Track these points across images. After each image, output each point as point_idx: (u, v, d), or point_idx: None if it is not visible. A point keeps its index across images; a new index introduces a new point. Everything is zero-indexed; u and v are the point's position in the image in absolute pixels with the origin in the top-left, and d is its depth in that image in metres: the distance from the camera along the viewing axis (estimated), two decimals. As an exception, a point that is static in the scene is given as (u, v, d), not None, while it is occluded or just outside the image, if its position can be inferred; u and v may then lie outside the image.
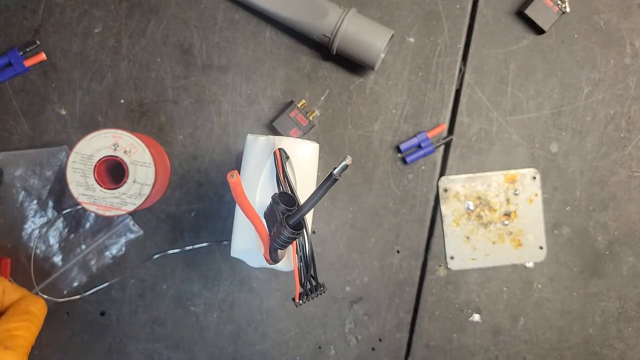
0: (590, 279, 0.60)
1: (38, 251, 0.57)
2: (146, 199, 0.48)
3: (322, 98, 0.57)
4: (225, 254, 0.58)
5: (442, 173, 0.58)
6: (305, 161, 0.41)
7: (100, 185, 0.48)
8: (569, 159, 0.59)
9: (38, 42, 0.55)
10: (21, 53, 0.54)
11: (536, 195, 0.59)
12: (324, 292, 0.38)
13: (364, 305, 0.59)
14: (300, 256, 0.37)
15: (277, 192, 0.36)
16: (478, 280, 0.59)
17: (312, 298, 0.38)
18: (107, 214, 0.48)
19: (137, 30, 0.56)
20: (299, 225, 0.34)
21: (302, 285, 0.37)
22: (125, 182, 0.48)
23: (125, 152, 0.48)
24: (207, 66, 0.56)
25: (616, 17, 0.58)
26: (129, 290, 0.57)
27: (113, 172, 0.51)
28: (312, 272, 0.37)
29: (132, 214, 0.57)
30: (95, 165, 0.47)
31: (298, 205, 0.37)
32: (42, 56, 0.55)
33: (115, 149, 0.47)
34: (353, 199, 0.58)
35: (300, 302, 0.37)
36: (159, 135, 0.57)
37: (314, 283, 0.38)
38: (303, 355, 0.59)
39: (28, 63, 0.54)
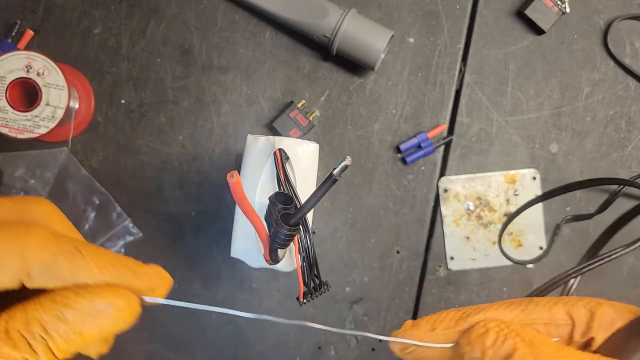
0: (590, 279, 0.60)
1: (38, 252, 0.56)
2: (59, 123, 0.48)
3: (322, 98, 0.57)
4: (225, 254, 0.57)
5: (442, 173, 0.58)
6: (305, 161, 0.41)
7: (13, 107, 0.48)
8: (569, 159, 0.59)
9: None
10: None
11: (536, 195, 0.58)
12: (328, 289, 0.38)
13: (363, 306, 0.59)
14: (303, 256, 0.37)
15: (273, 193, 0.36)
16: (478, 280, 0.59)
17: (317, 296, 0.38)
18: (20, 136, 0.48)
19: (137, 31, 0.56)
20: (296, 222, 0.34)
21: (306, 284, 0.37)
22: (38, 104, 0.48)
23: (38, 74, 0.47)
24: (207, 66, 0.56)
25: (616, 17, 0.58)
26: (128, 290, 0.57)
27: (26, 95, 0.51)
28: (315, 272, 0.37)
29: (131, 215, 0.57)
30: (7, 87, 0.47)
31: (296, 204, 0.37)
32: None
33: (28, 71, 0.47)
34: (353, 199, 0.58)
35: (305, 301, 0.37)
36: (159, 135, 0.57)
37: (317, 281, 0.38)
38: (303, 355, 0.59)
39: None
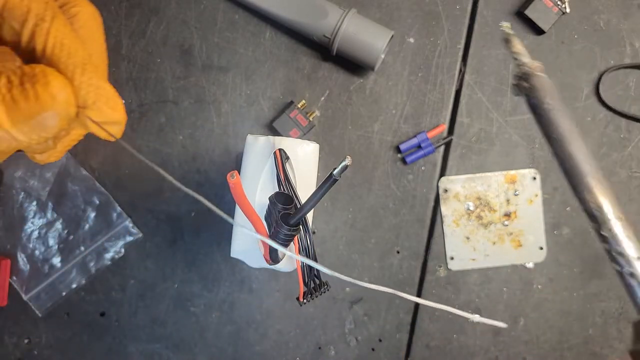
0: (590, 279, 0.60)
1: (37, 252, 0.57)
2: None
3: (322, 98, 0.57)
4: (225, 254, 0.57)
5: (442, 173, 0.58)
6: (305, 161, 0.41)
7: None
8: (569, 160, 0.59)
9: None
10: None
11: (536, 195, 0.58)
12: (328, 290, 0.39)
13: (363, 306, 0.59)
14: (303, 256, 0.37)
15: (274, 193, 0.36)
16: (478, 280, 0.59)
17: (317, 296, 0.38)
18: None
19: (137, 31, 0.56)
20: (296, 222, 0.34)
21: (306, 284, 0.37)
22: None
23: None
24: (207, 66, 0.56)
25: (616, 17, 0.58)
26: (128, 290, 0.57)
27: None
28: (315, 272, 0.37)
29: (131, 215, 0.57)
30: None
31: (296, 204, 0.37)
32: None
33: None
34: (353, 199, 0.58)
35: (305, 301, 0.37)
36: (159, 135, 0.57)
37: (317, 281, 0.38)
38: (303, 355, 0.59)
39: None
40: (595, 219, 0.20)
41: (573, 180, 0.22)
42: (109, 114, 0.22)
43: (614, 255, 0.20)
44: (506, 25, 0.26)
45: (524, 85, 0.24)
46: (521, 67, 0.24)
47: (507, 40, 0.25)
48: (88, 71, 0.21)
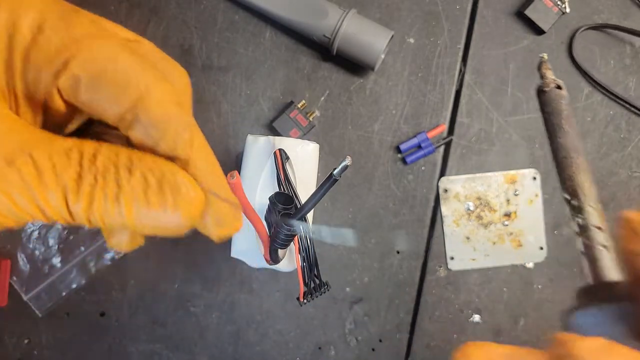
0: (591, 279, 0.60)
1: (37, 252, 0.57)
2: None
3: (322, 98, 0.57)
4: (225, 254, 0.57)
5: (442, 173, 0.58)
6: (305, 161, 0.41)
7: None
8: (569, 160, 0.59)
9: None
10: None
11: (536, 195, 0.58)
12: (328, 290, 0.39)
13: (364, 306, 0.59)
14: (304, 256, 0.37)
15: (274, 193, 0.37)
16: (478, 280, 0.59)
17: (317, 297, 0.38)
18: None
19: (137, 31, 0.56)
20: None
21: (306, 284, 0.37)
22: None
23: None
24: (206, 67, 0.56)
25: (616, 17, 0.58)
26: (128, 290, 0.57)
27: None
28: (315, 272, 0.38)
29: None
30: None
31: (296, 204, 0.37)
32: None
33: None
34: (353, 199, 0.58)
35: (305, 301, 0.37)
36: (159, 135, 0.56)
37: (317, 282, 0.38)
38: (303, 356, 0.59)
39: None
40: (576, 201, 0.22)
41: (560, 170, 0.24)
42: (236, 226, 0.21)
43: (587, 230, 0.22)
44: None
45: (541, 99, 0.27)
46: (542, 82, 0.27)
47: (541, 64, 0.27)
48: (225, 186, 0.20)
